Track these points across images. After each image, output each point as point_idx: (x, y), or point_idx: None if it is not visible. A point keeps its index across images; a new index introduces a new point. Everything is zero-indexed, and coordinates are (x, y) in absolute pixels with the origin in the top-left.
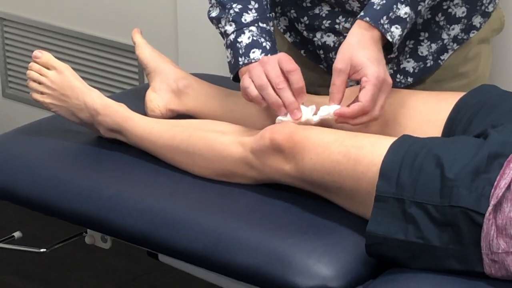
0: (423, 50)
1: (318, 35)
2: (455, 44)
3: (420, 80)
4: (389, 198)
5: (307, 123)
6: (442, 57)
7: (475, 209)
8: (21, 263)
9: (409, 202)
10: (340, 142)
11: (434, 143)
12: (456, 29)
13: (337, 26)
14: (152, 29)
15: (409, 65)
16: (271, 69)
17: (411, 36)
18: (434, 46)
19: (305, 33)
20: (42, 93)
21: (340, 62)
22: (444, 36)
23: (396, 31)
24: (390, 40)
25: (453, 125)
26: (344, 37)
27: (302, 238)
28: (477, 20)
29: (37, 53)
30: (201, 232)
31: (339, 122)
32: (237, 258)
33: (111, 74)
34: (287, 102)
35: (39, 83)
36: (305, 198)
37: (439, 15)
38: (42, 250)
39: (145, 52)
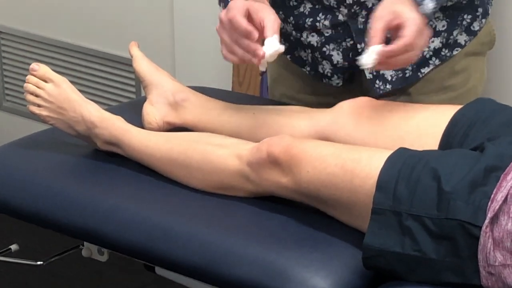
0: None
1: (304, 34)
2: (437, 60)
3: (406, 92)
4: (386, 210)
5: (276, 52)
6: (422, 70)
7: (472, 222)
8: (18, 276)
9: (406, 215)
10: (337, 155)
11: (431, 156)
12: (436, 42)
13: (317, 24)
14: (149, 42)
15: (388, 72)
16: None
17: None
18: None
19: (294, 33)
20: (39, 105)
21: (380, 10)
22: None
23: (430, 4)
24: (423, 12)
25: (450, 138)
26: (325, 36)
27: (300, 251)
28: (462, 38)
29: (34, 65)
30: (198, 245)
31: (382, 63)
32: (235, 271)
33: (108, 87)
34: (249, 50)
35: (36, 95)
36: (302, 211)
37: None
38: (39, 263)
39: (142, 65)
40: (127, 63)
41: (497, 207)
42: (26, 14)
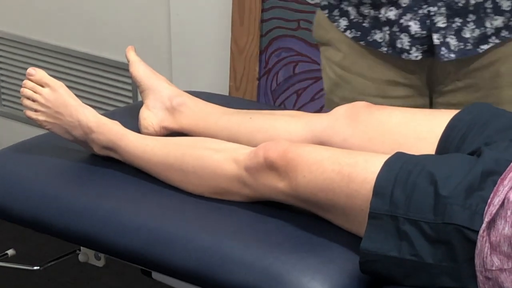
0: (467, 32)
1: (383, 10)
2: (496, 39)
3: (478, 87)
4: (382, 215)
5: None
6: (482, 46)
7: (469, 226)
8: (15, 281)
9: (402, 220)
10: (333, 160)
11: (428, 161)
12: (498, 21)
13: None
14: (146, 47)
15: (452, 41)
16: None
17: (461, 15)
18: (477, 31)
19: (371, 12)
20: (36, 110)
21: None
22: (487, 24)
23: None
24: None
25: (447, 142)
26: (403, 7)
27: (296, 255)
28: None
29: (31, 70)
30: (194, 249)
31: None
32: (231, 276)
33: (105, 91)
34: None
35: (33, 100)
36: (299, 216)
37: (489, 1)
38: (35, 268)
39: (139, 69)
40: (124, 68)
41: (494, 211)
42: (23, 19)
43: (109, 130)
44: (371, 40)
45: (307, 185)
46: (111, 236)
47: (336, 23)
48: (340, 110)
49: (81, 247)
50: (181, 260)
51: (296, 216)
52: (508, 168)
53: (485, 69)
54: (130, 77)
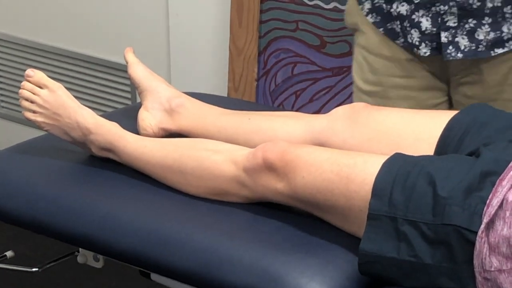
0: (481, 34)
1: (394, 5)
2: None
3: (493, 83)
4: (381, 216)
5: None
6: (496, 50)
7: (467, 227)
8: (13, 282)
9: (401, 220)
10: (332, 161)
11: (427, 161)
12: None
13: None
14: (145, 48)
15: (462, 41)
16: None
17: (476, 16)
18: (492, 34)
19: (384, 6)
20: (34, 112)
21: None
22: (505, 29)
23: None
24: None
25: (445, 143)
26: (415, 4)
27: (295, 256)
28: None
29: (29, 72)
30: (193, 251)
31: None
32: (230, 277)
33: (104, 93)
34: None
35: (32, 102)
36: (298, 217)
37: (509, 7)
38: (34, 269)
39: (138, 71)
40: (122, 69)
41: (492, 212)
42: (21, 20)
43: (108, 131)
44: (390, 27)
45: (305, 186)
46: (109, 237)
47: (361, 6)
48: (339, 111)
49: (80, 249)
50: (180, 261)
51: (295, 217)
52: (506, 169)
53: (500, 66)
54: (129, 78)
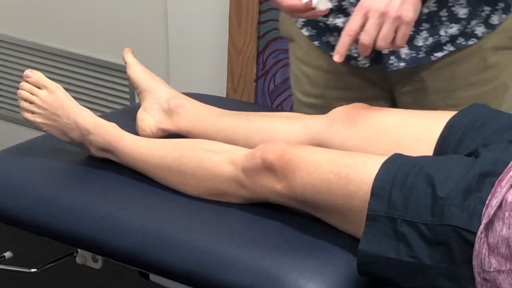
0: (420, 40)
1: (331, 18)
2: (451, 47)
3: (436, 89)
4: (380, 217)
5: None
6: (435, 54)
7: (466, 227)
8: (12, 283)
9: (400, 221)
10: (331, 161)
11: (426, 162)
12: (453, 29)
13: (344, 3)
14: (144, 49)
15: (403, 50)
16: None
17: (414, 24)
18: (430, 39)
19: (319, 18)
20: (33, 112)
21: None
22: (442, 32)
23: None
24: None
25: (444, 143)
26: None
27: (294, 257)
28: (479, 30)
29: (28, 72)
30: (192, 251)
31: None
32: (229, 278)
33: (103, 93)
34: None
35: (30, 102)
36: (297, 217)
37: (444, 10)
38: (33, 270)
39: (136, 71)
40: (121, 70)
41: (491, 212)
42: (20, 21)
43: (106, 132)
44: (325, 41)
45: (304, 186)
46: (108, 238)
47: (295, 19)
48: (338, 112)
49: (79, 249)
50: (179, 262)
51: (294, 217)
52: (505, 170)
53: (441, 72)
54: (127, 79)
